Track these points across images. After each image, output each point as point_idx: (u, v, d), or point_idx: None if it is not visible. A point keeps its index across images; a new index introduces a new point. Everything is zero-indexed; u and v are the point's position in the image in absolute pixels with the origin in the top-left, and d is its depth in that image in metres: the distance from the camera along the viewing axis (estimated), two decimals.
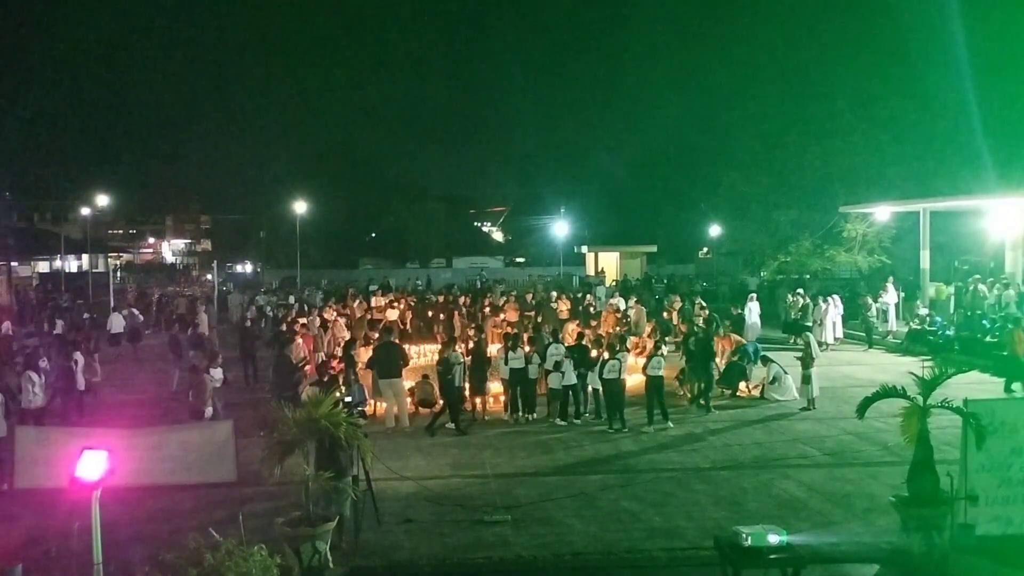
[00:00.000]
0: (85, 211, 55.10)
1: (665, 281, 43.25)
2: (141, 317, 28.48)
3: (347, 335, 21.27)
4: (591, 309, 25.53)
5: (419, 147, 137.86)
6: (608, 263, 47.56)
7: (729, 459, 12.84)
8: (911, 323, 24.24)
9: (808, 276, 37.54)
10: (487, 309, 25.35)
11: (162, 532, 9.53)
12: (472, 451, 13.53)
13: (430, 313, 26.49)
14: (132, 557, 8.21)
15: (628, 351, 17.16)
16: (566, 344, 16.59)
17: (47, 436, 12.00)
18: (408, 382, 16.14)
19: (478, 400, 15.96)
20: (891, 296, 26.26)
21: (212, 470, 11.59)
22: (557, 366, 15.35)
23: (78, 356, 15.60)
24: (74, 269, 59.85)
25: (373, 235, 73.93)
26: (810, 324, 23.53)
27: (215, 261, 48.84)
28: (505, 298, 27.97)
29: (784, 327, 26.12)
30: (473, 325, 21.10)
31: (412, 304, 27.92)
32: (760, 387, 17.37)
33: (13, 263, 46.64)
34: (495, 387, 16.58)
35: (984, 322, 22.13)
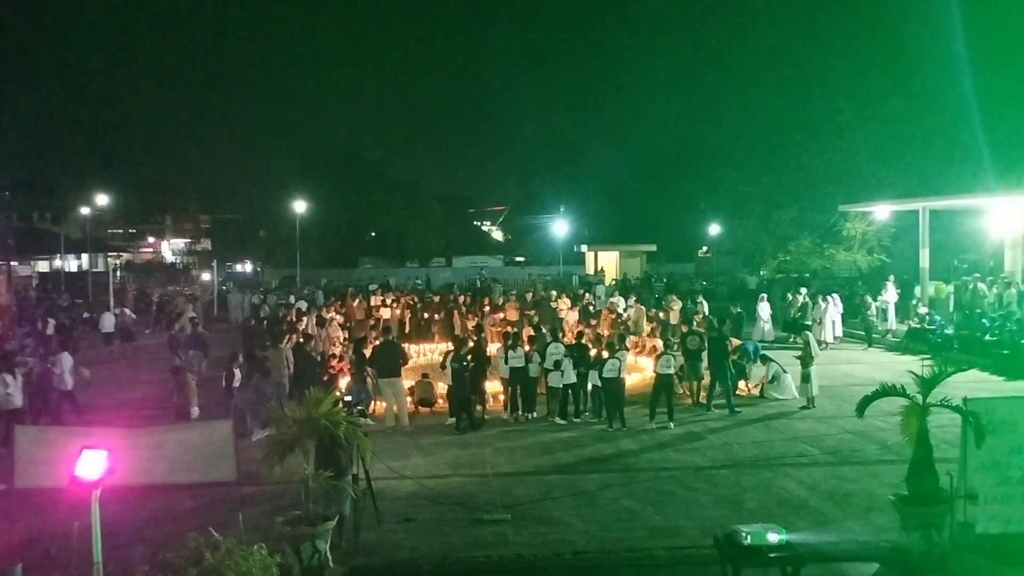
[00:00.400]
0: (85, 210, 55.07)
1: (664, 280, 43.27)
2: (133, 316, 28.43)
3: (340, 334, 21.32)
4: (590, 308, 25.55)
5: (419, 147, 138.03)
6: (608, 262, 47.61)
7: (729, 458, 12.84)
8: (910, 322, 24.26)
9: (808, 275, 37.51)
10: (487, 308, 25.38)
11: (162, 531, 9.53)
12: (472, 450, 13.53)
13: (426, 314, 26.50)
14: (132, 556, 8.23)
15: (628, 350, 17.19)
16: (566, 343, 16.60)
17: (47, 436, 12.02)
18: (408, 381, 16.15)
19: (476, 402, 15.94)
20: (891, 295, 26.28)
21: (212, 469, 11.59)
22: (556, 365, 15.36)
23: (65, 357, 15.40)
24: (74, 269, 59.85)
25: (373, 234, 73.90)
26: (809, 323, 23.56)
27: (214, 261, 48.78)
28: (504, 297, 28.00)
29: (783, 326, 26.15)
30: (474, 324, 21.13)
31: (411, 303, 27.94)
32: (760, 386, 17.39)
33: (13, 263, 46.65)
34: (495, 386, 16.59)
35: (983, 321, 22.13)
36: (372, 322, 23.69)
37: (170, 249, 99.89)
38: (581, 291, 30.45)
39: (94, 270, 52.24)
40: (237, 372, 14.97)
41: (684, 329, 19.64)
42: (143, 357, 24.06)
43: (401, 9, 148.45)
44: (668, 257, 58.39)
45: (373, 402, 15.41)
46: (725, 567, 7.82)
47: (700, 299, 26.08)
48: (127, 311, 27.93)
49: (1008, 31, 33.99)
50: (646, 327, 22.51)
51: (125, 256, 79.78)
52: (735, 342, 19.28)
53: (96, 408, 16.07)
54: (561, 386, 15.31)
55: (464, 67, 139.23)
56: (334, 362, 17.52)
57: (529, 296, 27.47)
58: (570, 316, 23.90)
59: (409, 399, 15.82)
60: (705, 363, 16.29)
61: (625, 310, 24.34)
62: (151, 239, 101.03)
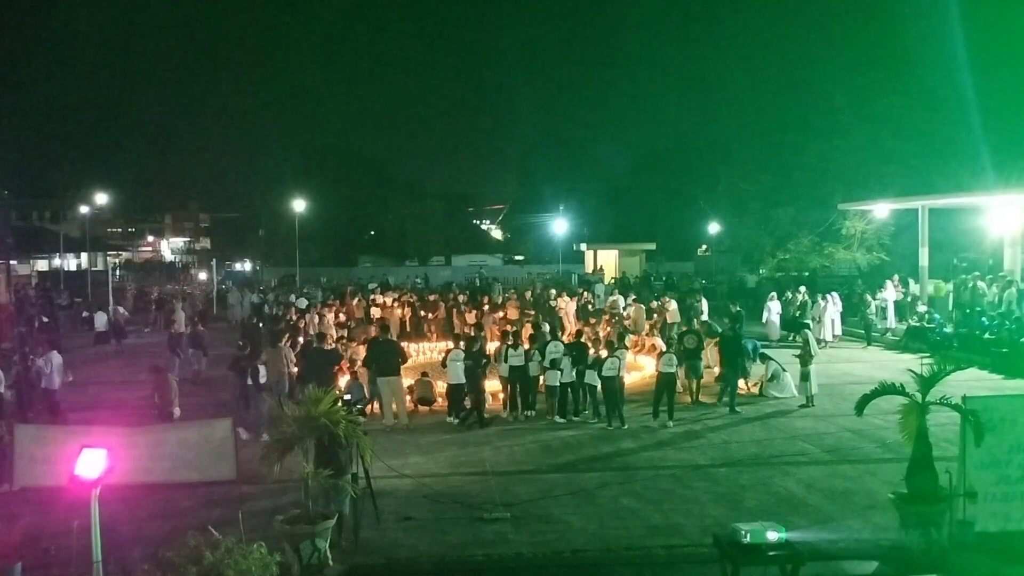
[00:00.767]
0: (84, 209, 55.09)
1: (664, 279, 43.26)
2: (127, 314, 28.41)
3: (334, 332, 21.31)
4: (589, 307, 25.56)
5: (418, 145, 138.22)
6: (607, 261, 47.63)
7: (728, 456, 12.85)
8: (910, 320, 24.26)
9: (807, 273, 37.53)
10: (486, 307, 25.39)
11: (161, 530, 9.53)
12: (471, 449, 13.54)
13: (423, 313, 26.50)
14: (132, 555, 8.22)
15: (627, 349, 17.18)
16: (565, 341, 16.59)
17: (46, 434, 11.99)
18: (407, 380, 16.13)
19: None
20: (890, 293, 26.28)
21: (211, 468, 11.54)
22: (554, 364, 15.35)
23: (54, 355, 15.26)
24: (73, 267, 59.83)
25: (372, 233, 73.87)
26: (809, 321, 23.55)
27: (214, 259, 48.77)
28: (504, 296, 28.00)
29: (782, 324, 26.14)
30: (474, 322, 21.12)
31: (410, 302, 27.94)
32: (759, 384, 17.38)
33: (12, 261, 46.58)
34: (494, 384, 16.58)
35: (983, 319, 22.14)
36: (375, 319, 23.65)
37: (169, 248, 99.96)
38: (580, 290, 30.46)
39: (93, 269, 52.22)
40: (262, 369, 14.47)
41: (683, 328, 19.63)
42: (136, 356, 23.91)
43: (401, 8, 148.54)
44: (667, 256, 58.38)
45: (367, 402, 15.34)
46: (724, 565, 7.82)
47: (701, 298, 26.07)
48: (120, 309, 27.91)
49: (1008, 30, 33.95)
50: (645, 326, 22.52)
51: (124, 255, 79.84)
52: None
53: (80, 407, 15.79)
54: (559, 384, 15.30)
55: (464, 66, 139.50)
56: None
57: (528, 295, 27.49)
58: (570, 308, 23.89)
59: (408, 398, 15.81)
60: (705, 361, 16.27)
61: (624, 308, 24.36)
62: (150, 238, 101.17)
